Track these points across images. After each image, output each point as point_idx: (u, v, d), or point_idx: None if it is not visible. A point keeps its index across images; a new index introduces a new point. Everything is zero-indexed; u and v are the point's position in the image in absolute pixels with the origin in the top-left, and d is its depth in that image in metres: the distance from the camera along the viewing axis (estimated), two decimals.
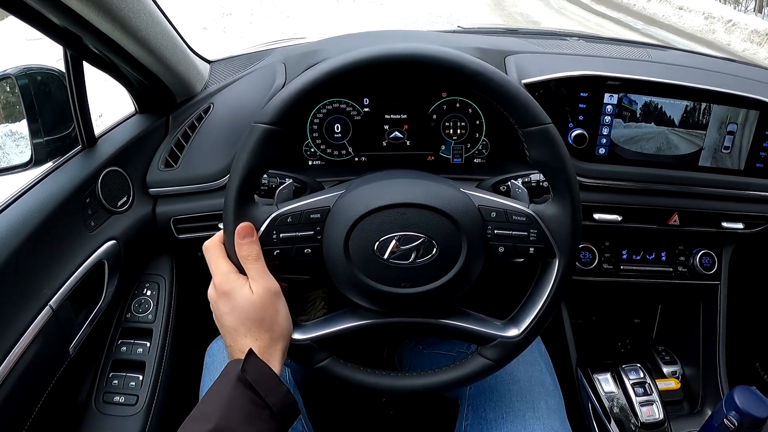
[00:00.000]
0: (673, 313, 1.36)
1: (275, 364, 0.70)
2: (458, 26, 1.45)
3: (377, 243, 0.72)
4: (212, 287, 0.72)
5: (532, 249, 0.75)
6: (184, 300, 1.17)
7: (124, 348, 1.08)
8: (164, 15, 0.98)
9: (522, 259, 0.77)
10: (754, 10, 14.60)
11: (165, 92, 1.10)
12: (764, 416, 0.96)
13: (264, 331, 0.70)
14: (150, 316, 1.10)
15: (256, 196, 0.76)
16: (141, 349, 1.08)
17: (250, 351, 0.68)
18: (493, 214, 0.75)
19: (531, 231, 0.75)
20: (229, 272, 0.72)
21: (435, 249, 0.72)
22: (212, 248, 0.74)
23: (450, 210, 0.73)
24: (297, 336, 0.77)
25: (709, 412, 1.17)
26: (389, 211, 0.73)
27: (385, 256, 0.72)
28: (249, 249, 0.71)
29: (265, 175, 0.90)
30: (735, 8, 13.75)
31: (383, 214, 0.73)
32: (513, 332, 0.77)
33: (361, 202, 0.74)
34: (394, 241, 0.72)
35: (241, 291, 0.70)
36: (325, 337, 0.78)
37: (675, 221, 1.16)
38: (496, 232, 0.75)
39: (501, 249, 0.76)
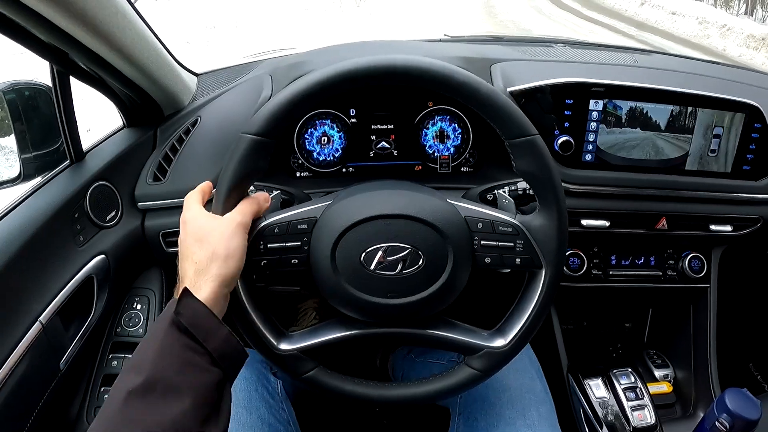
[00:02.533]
0: (664, 317, 1.37)
1: (208, 291, 0.64)
2: (444, 35, 1.45)
3: (364, 254, 0.73)
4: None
5: (518, 260, 0.76)
6: None
7: (115, 362, 1.07)
8: (150, 29, 0.99)
9: (509, 270, 0.78)
10: (745, 13, 14.70)
11: (152, 106, 1.11)
12: (755, 418, 0.97)
13: (208, 248, 0.67)
14: (140, 330, 1.10)
15: None
16: None
17: (185, 290, 0.63)
18: (480, 225, 0.76)
19: (517, 242, 0.75)
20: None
21: (421, 260, 0.73)
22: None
23: (436, 221, 0.73)
24: (284, 346, 0.77)
25: (701, 415, 1.18)
26: (375, 222, 0.73)
27: (372, 267, 0.73)
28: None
29: (252, 187, 0.91)
30: (727, 11, 13.81)
31: (369, 225, 0.73)
32: (500, 342, 0.78)
33: (347, 213, 0.74)
34: (380, 252, 0.72)
35: (208, 213, 0.71)
36: (312, 347, 0.78)
37: (663, 225, 1.16)
38: (482, 242, 0.76)
39: (487, 260, 0.76)
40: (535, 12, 12.84)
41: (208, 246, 0.67)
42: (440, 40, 1.36)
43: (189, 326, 0.60)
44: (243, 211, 0.71)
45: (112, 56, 0.89)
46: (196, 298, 0.62)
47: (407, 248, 0.73)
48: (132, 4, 0.91)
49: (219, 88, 1.20)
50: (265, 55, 1.42)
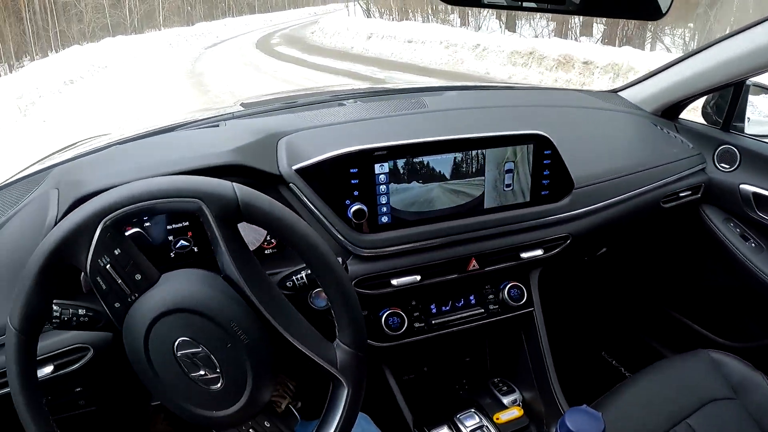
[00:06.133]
0: (501, 344, 1.41)
1: None
2: (240, 104, 1.43)
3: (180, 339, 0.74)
4: None
5: None
6: None
7: None
8: None
9: None
10: (501, 28, 13.64)
11: None
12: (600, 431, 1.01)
13: None
14: None
15: None
16: None
17: None
18: (267, 423, 0.78)
19: None
20: None
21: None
22: None
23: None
24: None
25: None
26: (208, 322, 0.74)
27: (179, 353, 0.74)
28: None
29: (56, 307, 0.83)
30: (467, 29, 13.08)
31: (200, 320, 0.74)
32: None
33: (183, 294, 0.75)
34: (195, 350, 0.74)
35: None
36: None
37: (474, 266, 1.19)
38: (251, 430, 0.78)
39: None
40: (255, 71, 11.29)
41: None
42: (233, 116, 1.33)
43: None
44: None
45: None
46: None
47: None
48: None
49: (9, 209, 1.12)
50: (65, 152, 1.36)
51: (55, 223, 0.97)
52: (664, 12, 0.80)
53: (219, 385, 0.74)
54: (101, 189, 0.84)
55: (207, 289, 0.76)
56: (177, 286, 0.75)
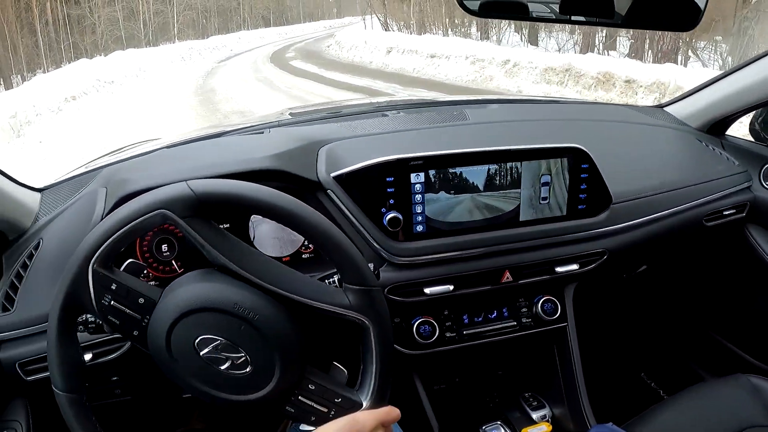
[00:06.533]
0: (533, 358, 1.40)
1: None
2: (289, 114, 1.46)
3: (198, 339, 0.74)
4: None
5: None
6: None
7: None
8: None
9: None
10: (481, 38, 12.80)
11: None
12: None
13: None
14: None
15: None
16: None
17: None
18: (312, 386, 0.78)
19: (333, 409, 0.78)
20: None
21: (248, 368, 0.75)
22: None
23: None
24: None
25: None
26: (215, 314, 0.74)
27: (202, 353, 0.74)
28: None
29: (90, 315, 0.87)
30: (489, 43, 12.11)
31: (208, 315, 0.74)
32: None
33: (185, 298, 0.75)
34: (215, 344, 0.74)
35: None
36: None
37: (508, 278, 1.19)
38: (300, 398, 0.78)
39: (291, 409, 0.78)
40: (268, 87, 10.83)
41: None
42: (278, 123, 1.36)
43: None
44: None
45: None
46: None
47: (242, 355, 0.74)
48: None
49: (60, 204, 1.16)
50: (115, 154, 1.40)
51: (102, 218, 1.00)
52: (698, 20, 0.80)
53: (249, 368, 0.74)
54: (145, 188, 0.86)
55: (204, 285, 0.76)
56: (178, 293, 0.76)
